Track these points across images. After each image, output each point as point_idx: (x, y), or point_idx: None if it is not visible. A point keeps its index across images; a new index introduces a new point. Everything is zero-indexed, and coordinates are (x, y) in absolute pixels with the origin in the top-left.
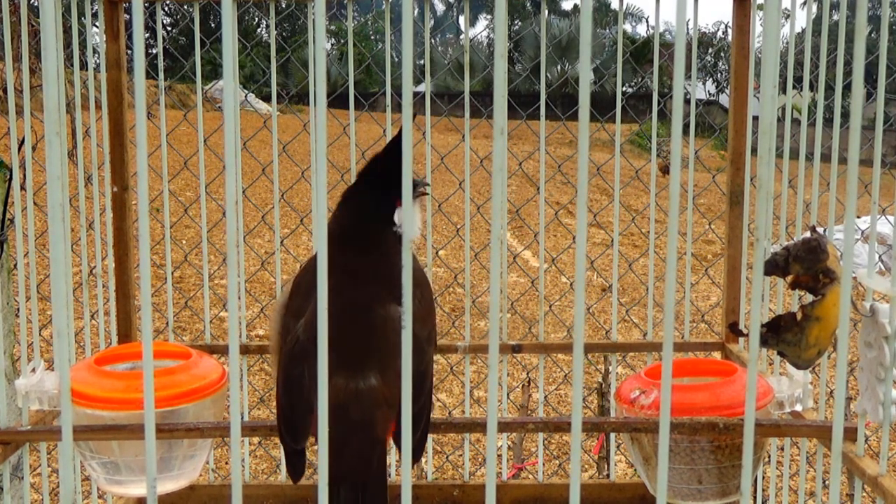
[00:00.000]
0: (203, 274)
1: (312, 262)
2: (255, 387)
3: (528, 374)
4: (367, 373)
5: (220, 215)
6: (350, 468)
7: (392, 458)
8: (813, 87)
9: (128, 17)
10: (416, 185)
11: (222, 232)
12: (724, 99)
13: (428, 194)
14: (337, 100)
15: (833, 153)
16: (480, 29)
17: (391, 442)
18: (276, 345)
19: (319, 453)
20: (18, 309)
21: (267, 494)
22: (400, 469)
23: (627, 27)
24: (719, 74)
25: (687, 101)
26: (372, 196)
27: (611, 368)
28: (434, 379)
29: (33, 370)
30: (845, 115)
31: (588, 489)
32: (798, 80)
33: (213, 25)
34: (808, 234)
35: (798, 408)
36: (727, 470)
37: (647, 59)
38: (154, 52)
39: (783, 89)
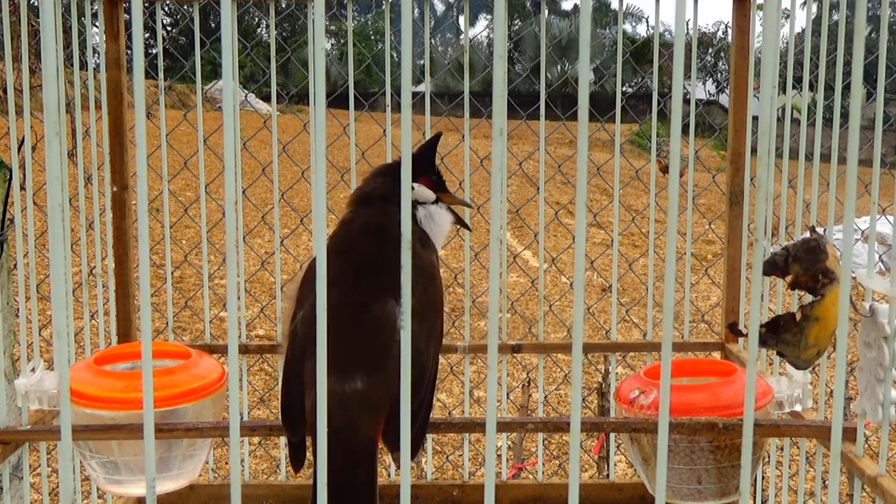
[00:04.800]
0: (203, 274)
1: (329, 243)
2: (255, 387)
3: (528, 374)
4: (353, 376)
5: (220, 215)
6: (332, 471)
7: (388, 457)
8: (813, 87)
9: (128, 16)
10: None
11: (222, 232)
12: (724, 99)
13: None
14: (337, 100)
15: (833, 153)
16: (480, 29)
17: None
18: (285, 328)
19: (317, 456)
20: (18, 309)
21: (267, 494)
22: (399, 469)
23: (627, 27)
24: (719, 74)
25: (687, 101)
26: (386, 180)
27: (611, 368)
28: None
29: (33, 370)
30: (845, 115)
31: (588, 489)
32: (798, 80)
33: (213, 25)
34: (807, 234)
35: (797, 408)
36: (726, 470)
37: (647, 59)
38: (154, 51)
39: (783, 89)
